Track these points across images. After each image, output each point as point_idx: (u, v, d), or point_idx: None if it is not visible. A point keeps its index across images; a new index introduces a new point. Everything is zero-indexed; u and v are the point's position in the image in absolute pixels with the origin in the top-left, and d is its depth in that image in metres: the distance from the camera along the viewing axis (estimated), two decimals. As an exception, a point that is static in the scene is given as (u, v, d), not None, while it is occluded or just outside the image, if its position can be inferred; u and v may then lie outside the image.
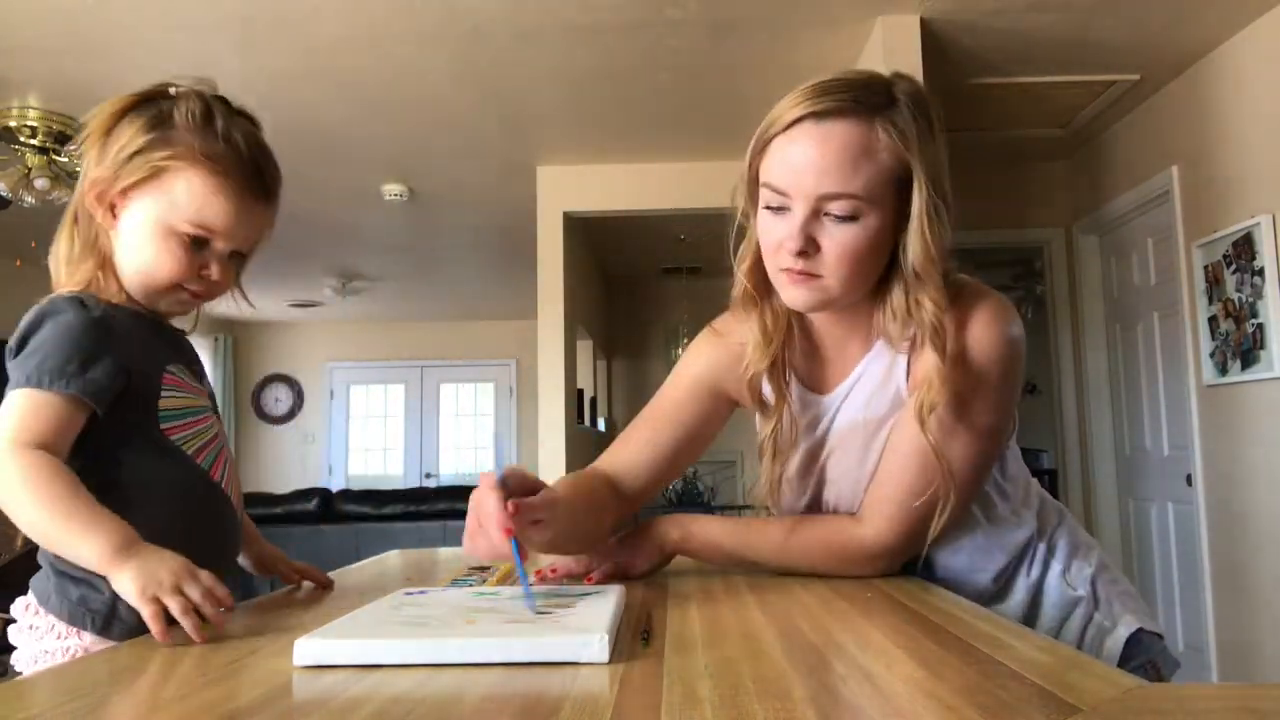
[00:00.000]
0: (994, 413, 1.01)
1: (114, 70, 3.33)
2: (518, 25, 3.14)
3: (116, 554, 0.81)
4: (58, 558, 0.92)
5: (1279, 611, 3.21)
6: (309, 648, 0.67)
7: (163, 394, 0.97)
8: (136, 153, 0.94)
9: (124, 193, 0.95)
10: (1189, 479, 3.69)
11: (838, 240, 0.96)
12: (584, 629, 0.68)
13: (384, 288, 7.64)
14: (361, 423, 9.52)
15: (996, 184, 4.64)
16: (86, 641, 0.91)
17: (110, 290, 0.97)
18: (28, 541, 1.41)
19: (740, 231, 1.07)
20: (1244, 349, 3.30)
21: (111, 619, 0.90)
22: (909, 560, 1.07)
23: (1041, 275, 5.06)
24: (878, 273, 1.00)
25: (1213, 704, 0.55)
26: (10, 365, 0.90)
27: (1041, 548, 1.12)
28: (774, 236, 0.99)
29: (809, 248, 0.96)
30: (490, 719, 0.54)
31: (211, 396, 1.07)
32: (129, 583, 0.79)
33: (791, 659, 0.67)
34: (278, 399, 9.46)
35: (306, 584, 1.11)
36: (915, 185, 0.96)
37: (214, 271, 0.99)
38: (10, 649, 0.96)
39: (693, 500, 6.29)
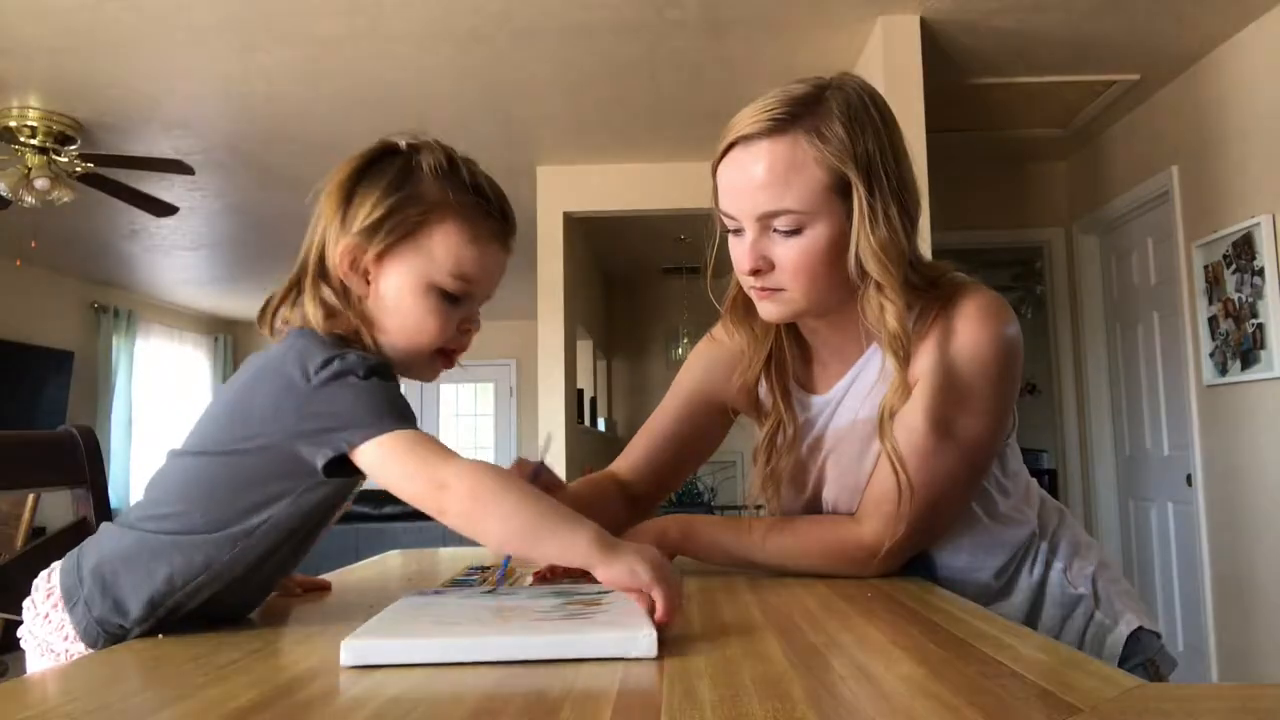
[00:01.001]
0: (988, 412, 1.02)
1: (114, 70, 3.33)
2: (517, 25, 3.14)
3: (606, 543, 0.78)
4: (103, 569, 0.87)
5: (1279, 611, 3.21)
6: (357, 648, 0.66)
7: None
8: (388, 214, 0.91)
9: (379, 258, 0.92)
10: (1189, 479, 3.69)
11: (788, 254, 0.99)
12: (630, 625, 0.69)
13: (384, 288, 7.63)
14: (361, 423, 9.50)
15: (996, 184, 4.64)
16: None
17: (369, 348, 0.93)
18: (28, 541, 1.39)
19: (721, 244, 1.09)
20: (1244, 349, 3.30)
21: (120, 644, 0.88)
22: (909, 559, 1.07)
23: (1041, 275, 5.06)
24: (845, 278, 1.00)
25: (1213, 704, 0.55)
26: (339, 419, 0.82)
27: (1043, 546, 1.13)
28: (735, 259, 1.03)
29: (761, 265, 1.00)
30: (490, 719, 0.54)
31: None
32: (641, 567, 0.75)
33: (791, 659, 0.66)
34: (278, 399, 9.45)
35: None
36: (853, 189, 0.97)
37: (476, 325, 0.96)
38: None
39: (693, 500, 6.28)
